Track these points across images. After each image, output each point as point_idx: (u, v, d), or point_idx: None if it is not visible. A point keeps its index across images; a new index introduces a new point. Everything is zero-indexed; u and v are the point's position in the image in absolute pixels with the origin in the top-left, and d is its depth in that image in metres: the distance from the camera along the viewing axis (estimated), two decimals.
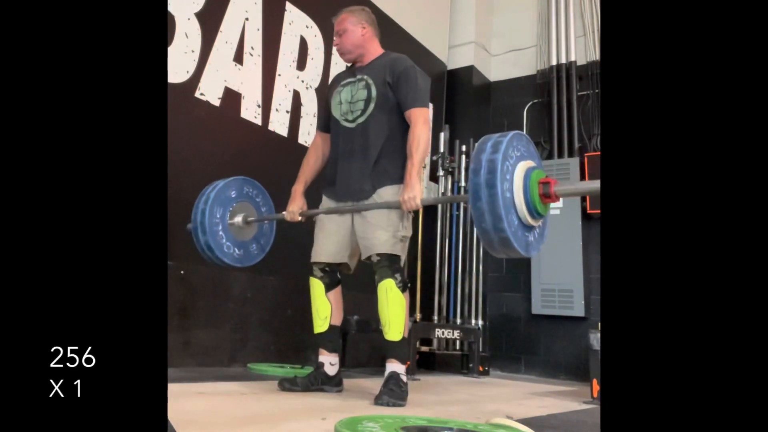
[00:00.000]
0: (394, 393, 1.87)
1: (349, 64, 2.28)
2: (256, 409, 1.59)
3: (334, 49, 2.29)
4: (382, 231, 2.00)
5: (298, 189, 2.27)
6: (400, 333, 2.00)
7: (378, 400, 1.83)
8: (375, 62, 2.17)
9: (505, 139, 1.46)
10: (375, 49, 2.21)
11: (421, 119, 2.04)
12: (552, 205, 4.86)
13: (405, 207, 1.95)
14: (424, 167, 4.13)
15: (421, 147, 2.00)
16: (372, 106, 2.08)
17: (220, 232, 2.23)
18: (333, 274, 2.15)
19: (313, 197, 2.31)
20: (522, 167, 1.50)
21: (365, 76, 2.14)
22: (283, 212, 2.23)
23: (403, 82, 2.07)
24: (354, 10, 2.22)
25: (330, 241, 2.14)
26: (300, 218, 2.21)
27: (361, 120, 2.10)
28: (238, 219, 2.28)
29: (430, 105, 4.46)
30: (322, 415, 1.48)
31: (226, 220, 2.25)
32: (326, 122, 2.29)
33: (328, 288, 2.14)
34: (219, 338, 2.75)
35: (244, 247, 2.32)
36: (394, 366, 1.98)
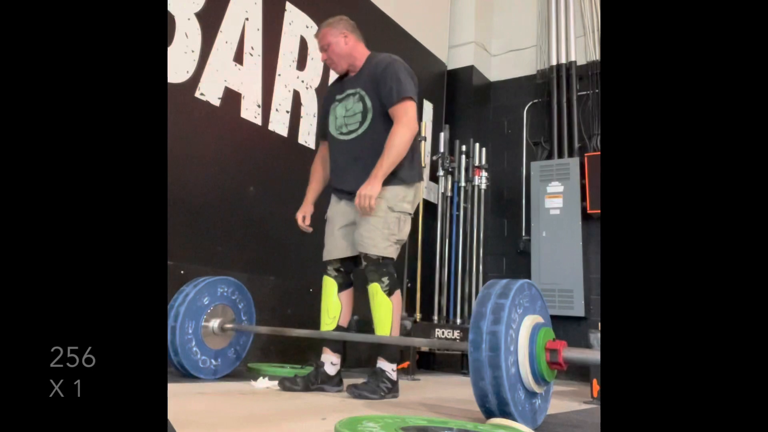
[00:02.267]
0: (368, 386, 1.92)
1: (339, 75, 2.29)
2: (256, 409, 1.59)
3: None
4: (375, 230, 2.02)
5: (309, 196, 2.33)
6: (387, 332, 2.02)
7: (348, 390, 1.87)
8: (362, 71, 2.17)
9: (507, 302, 1.32)
10: (361, 54, 2.20)
11: (404, 118, 2.01)
12: (552, 204, 4.82)
13: (357, 201, 1.97)
14: (424, 167, 4.13)
15: (393, 151, 1.98)
16: (370, 116, 2.09)
17: (194, 348, 2.14)
18: (347, 275, 2.17)
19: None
20: (527, 327, 1.39)
21: (357, 89, 2.15)
22: (261, 327, 2.29)
23: (382, 82, 2.06)
24: (332, 22, 2.22)
25: (340, 235, 2.16)
26: (309, 228, 2.27)
27: (360, 131, 2.11)
28: (214, 325, 2.20)
29: (431, 105, 4.50)
30: (322, 415, 1.48)
31: (199, 332, 2.16)
32: (326, 131, 2.30)
33: (341, 288, 2.16)
34: None
35: (222, 356, 2.25)
36: (380, 363, 2.02)
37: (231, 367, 2.31)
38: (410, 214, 2.14)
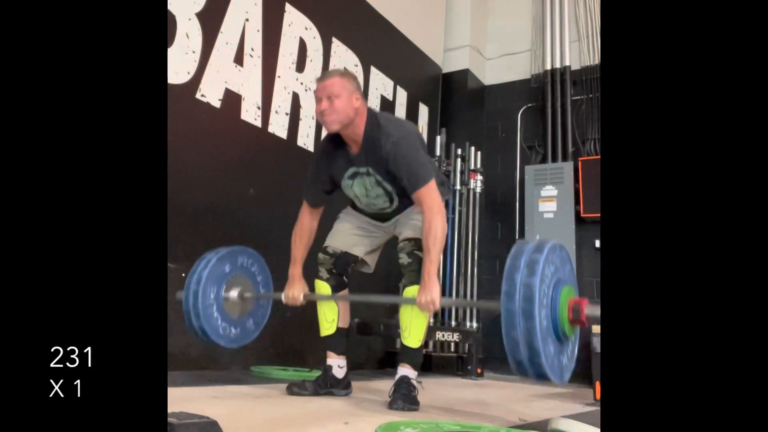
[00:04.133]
0: (407, 397, 1.86)
1: (333, 133, 2.02)
2: (276, 413, 1.57)
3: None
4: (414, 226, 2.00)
5: (297, 272, 2.13)
6: (419, 341, 2.00)
7: (393, 405, 1.81)
8: (368, 147, 1.96)
9: (541, 257, 1.32)
10: (361, 122, 1.96)
11: (435, 205, 1.87)
12: (546, 208, 4.85)
13: (421, 310, 1.85)
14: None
15: (438, 241, 1.84)
16: (396, 199, 2.02)
17: (215, 314, 2.08)
18: (339, 277, 2.13)
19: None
20: (554, 282, 1.39)
21: (369, 169, 1.97)
22: (281, 294, 2.12)
23: (400, 166, 1.90)
24: (346, 75, 1.98)
25: (349, 234, 2.14)
26: (303, 301, 2.10)
27: (392, 208, 2.07)
28: (234, 295, 2.15)
29: (426, 108, 4.51)
30: (343, 420, 1.47)
31: (221, 298, 2.10)
32: (318, 197, 2.13)
33: (335, 290, 2.12)
34: None
35: (241, 325, 2.19)
36: (406, 370, 1.97)
37: (250, 338, 2.24)
38: None
